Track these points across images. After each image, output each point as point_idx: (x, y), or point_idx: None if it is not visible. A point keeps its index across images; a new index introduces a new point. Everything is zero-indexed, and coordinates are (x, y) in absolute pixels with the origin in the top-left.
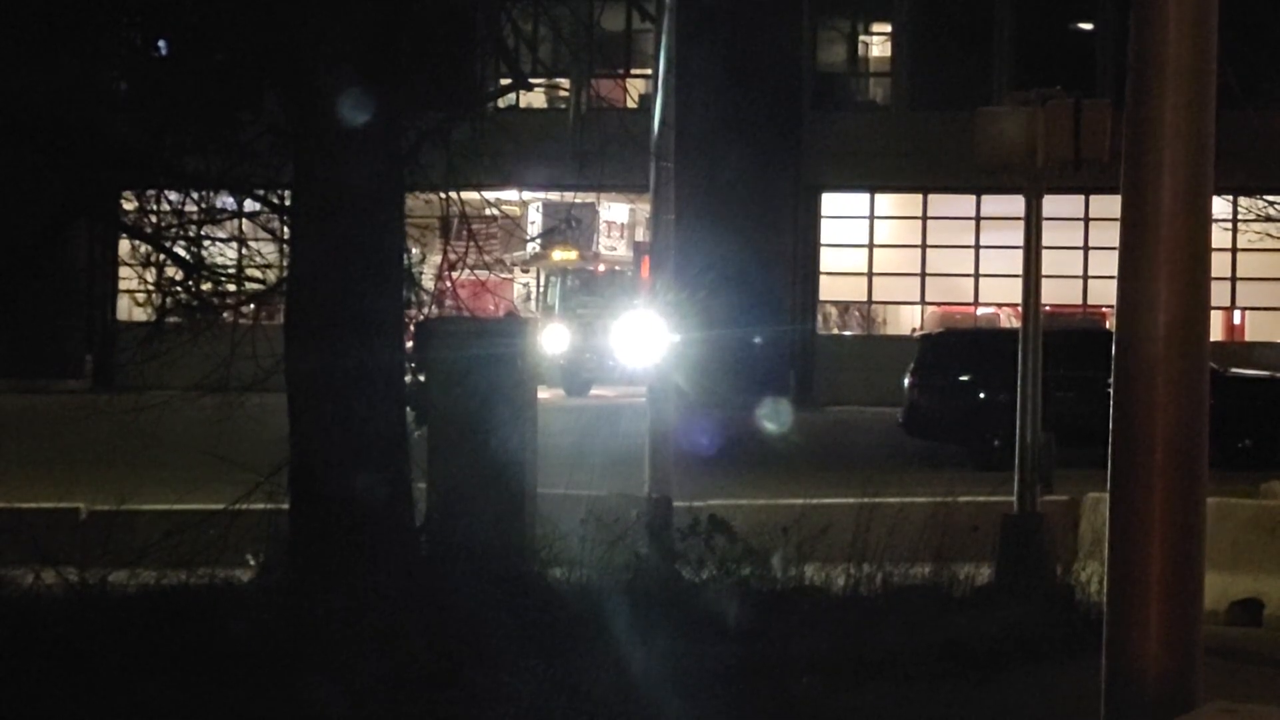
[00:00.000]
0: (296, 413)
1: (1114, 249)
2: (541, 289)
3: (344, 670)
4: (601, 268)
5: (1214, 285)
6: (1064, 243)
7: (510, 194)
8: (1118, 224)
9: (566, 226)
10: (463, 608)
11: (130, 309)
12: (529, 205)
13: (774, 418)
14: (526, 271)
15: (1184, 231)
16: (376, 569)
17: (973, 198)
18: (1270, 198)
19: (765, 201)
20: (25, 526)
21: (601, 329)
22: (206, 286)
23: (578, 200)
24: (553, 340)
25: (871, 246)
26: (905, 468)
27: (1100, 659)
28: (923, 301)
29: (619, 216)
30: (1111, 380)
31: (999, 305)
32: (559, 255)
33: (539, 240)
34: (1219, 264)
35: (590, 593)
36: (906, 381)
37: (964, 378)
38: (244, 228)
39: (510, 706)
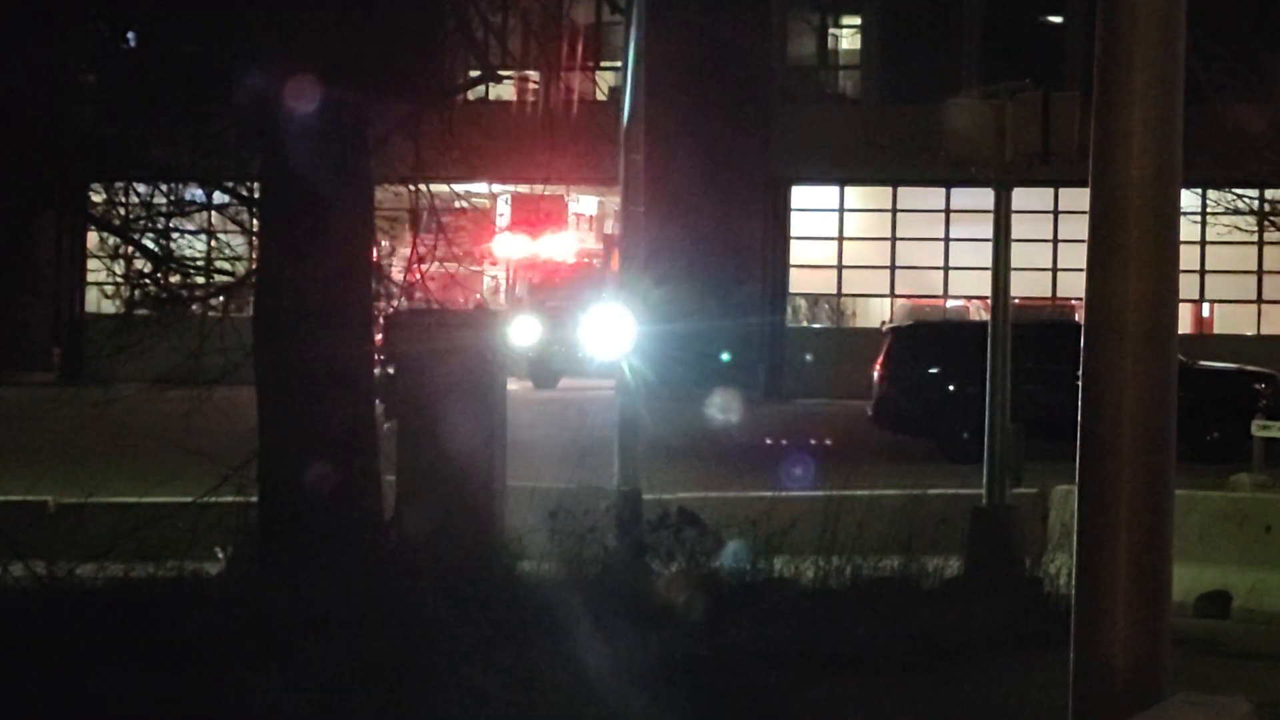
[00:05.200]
0: (265, 405)
1: (1083, 242)
2: (510, 281)
3: (310, 663)
4: (570, 260)
5: (1182, 278)
6: (1033, 235)
7: (479, 186)
8: (1087, 217)
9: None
10: (431, 601)
11: (99, 301)
12: (498, 198)
13: (740, 410)
14: (495, 264)
15: (1153, 224)
16: (345, 562)
17: (942, 190)
18: (1238, 191)
19: (735, 194)
20: None
21: (570, 321)
22: (175, 279)
23: (546, 192)
24: (521, 332)
25: (841, 239)
26: (874, 460)
27: (1068, 651)
28: (892, 294)
29: (588, 208)
30: (1080, 373)
31: (968, 298)
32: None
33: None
34: (1187, 257)
35: (559, 585)
36: (875, 374)
37: (933, 370)
38: (212, 220)
39: (477, 700)
